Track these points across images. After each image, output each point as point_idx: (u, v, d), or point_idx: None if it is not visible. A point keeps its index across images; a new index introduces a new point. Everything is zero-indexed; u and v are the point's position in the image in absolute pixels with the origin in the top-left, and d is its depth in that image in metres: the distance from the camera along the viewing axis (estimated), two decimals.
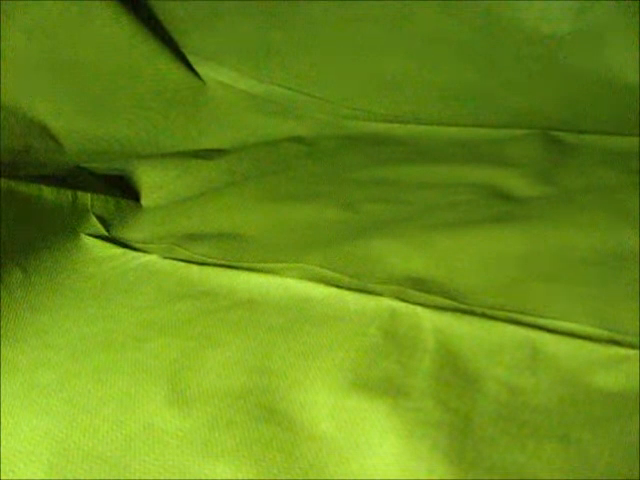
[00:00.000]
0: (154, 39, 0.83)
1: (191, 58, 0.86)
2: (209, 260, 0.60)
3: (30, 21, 0.79)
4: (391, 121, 0.81)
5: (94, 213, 0.69)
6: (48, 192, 0.67)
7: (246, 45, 0.85)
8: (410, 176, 0.71)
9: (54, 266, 0.62)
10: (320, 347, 0.49)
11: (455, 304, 0.51)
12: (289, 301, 0.54)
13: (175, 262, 0.60)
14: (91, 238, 0.65)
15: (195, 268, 0.59)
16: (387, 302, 0.52)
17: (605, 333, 0.46)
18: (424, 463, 0.39)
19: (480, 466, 0.39)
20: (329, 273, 0.55)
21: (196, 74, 0.85)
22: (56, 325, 0.55)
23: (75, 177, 0.74)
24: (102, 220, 0.68)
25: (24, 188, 0.65)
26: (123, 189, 0.75)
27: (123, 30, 0.81)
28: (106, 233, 0.67)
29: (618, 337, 0.46)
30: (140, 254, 0.62)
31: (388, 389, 0.45)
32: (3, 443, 0.44)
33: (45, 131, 0.78)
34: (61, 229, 0.66)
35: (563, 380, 0.44)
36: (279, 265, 0.56)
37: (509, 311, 0.49)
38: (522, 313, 0.49)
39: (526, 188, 0.64)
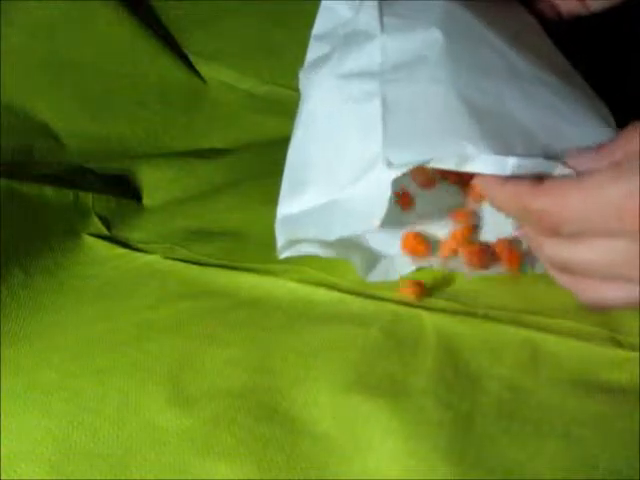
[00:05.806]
0: (155, 39, 0.83)
1: (192, 58, 0.86)
2: (210, 260, 0.60)
3: (31, 21, 0.79)
4: None
5: (96, 213, 0.69)
6: (49, 192, 0.67)
7: (248, 45, 0.85)
8: None
9: (55, 266, 0.61)
10: (321, 347, 0.49)
11: (457, 306, 0.51)
12: (291, 302, 0.54)
13: (176, 262, 0.60)
14: (93, 238, 0.65)
15: (196, 268, 0.59)
16: (389, 305, 0.52)
17: (606, 333, 0.46)
18: (425, 462, 0.39)
19: (481, 465, 0.39)
20: (331, 276, 0.55)
21: (197, 74, 0.85)
22: (57, 325, 0.55)
23: (76, 177, 0.73)
24: (104, 220, 0.68)
25: (25, 188, 0.65)
26: (124, 189, 0.74)
27: (124, 30, 0.81)
28: (108, 233, 0.67)
29: (619, 337, 0.46)
30: (142, 254, 0.62)
31: (389, 389, 0.45)
32: (4, 443, 0.44)
33: (46, 131, 0.78)
34: (62, 229, 0.65)
35: (564, 379, 0.44)
36: (280, 267, 0.56)
37: (510, 312, 0.49)
38: (523, 314, 0.49)
39: None
